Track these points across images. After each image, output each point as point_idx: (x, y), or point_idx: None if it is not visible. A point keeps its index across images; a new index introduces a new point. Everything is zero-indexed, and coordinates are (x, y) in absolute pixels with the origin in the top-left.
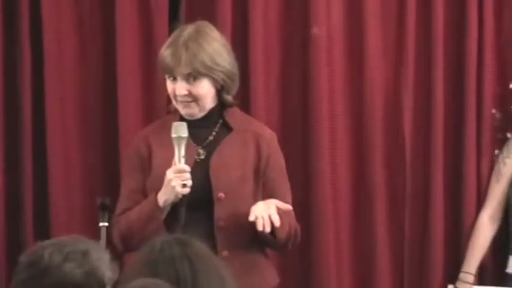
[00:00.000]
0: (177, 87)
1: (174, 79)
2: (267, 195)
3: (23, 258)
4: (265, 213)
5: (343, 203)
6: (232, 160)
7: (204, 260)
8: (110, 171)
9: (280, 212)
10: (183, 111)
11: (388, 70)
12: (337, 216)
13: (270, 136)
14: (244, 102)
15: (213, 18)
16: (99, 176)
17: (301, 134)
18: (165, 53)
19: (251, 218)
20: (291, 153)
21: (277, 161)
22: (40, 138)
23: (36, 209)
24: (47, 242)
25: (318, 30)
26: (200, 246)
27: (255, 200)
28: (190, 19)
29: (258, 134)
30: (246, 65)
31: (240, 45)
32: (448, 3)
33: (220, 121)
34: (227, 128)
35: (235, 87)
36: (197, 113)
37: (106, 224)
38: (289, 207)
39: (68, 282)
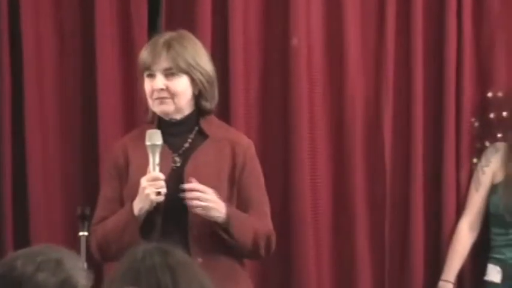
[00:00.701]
0: (155, 82)
1: (152, 76)
2: (241, 203)
3: None
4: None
5: (323, 212)
6: (206, 168)
7: (186, 269)
8: (90, 180)
9: (242, 218)
10: (158, 108)
11: (368, 80)
12: (317, 226)
13: (246, 144)
14: (224, 112)
15: (192, 29)
16: (79, 186)
17: (281, 144)
18: (144, 52)
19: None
20: (271, 164)
21: (253, 169)
22: (19, 149)
23: (15, 219)
24: (19, 252)
25: (297, 41)
26: (181, 255)
27: None
28: (170, 29)
29: (234, 141)
30: (226, 75)
31: (220, 55)
32: (427, 13)
33: (196, 128)
34: (203, 135)
35: (213, 96)
36: (172, 111)
37: (86, 233)
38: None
39: None
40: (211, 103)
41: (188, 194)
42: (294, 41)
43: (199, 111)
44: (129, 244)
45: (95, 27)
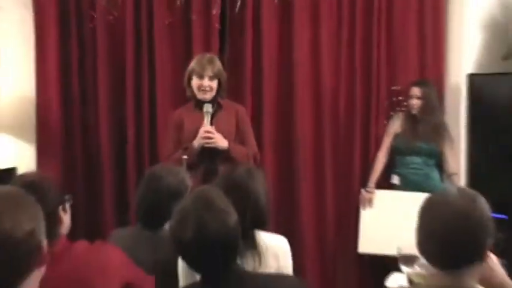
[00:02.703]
0: (204, 82)
1: (201, 78)
2: (240, 140)
3: (146, 174)
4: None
5: (308, 159)
6: (224, 123)
7: (259, 190)
8: None
9: (238, 147)
10: (202, 95)
11: (333, 78)
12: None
13: (241, 109)
14: (258, 99)
15: (242, 53)
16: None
17: (289, 123)
18: (197, 66)
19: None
20: (281, 137)
21: (245, 122)
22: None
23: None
24: (157, 166)
25: (298, 57)
26: (260, 180)
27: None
28: (232, 52)
29: (236, 109)
30: (260, 79)
31: (256, 67)
32: (362, 39)
33: (216, 104)
34: (220, 107)
35: (225, 88)
36: (209, 97)
37: (186, 157)
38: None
39: (169, 184)
40: (224, 91)
41: (206, 135)
42: (296, 57)
43: (217, 94)
44: (192, 164)
45: (192, 53)
